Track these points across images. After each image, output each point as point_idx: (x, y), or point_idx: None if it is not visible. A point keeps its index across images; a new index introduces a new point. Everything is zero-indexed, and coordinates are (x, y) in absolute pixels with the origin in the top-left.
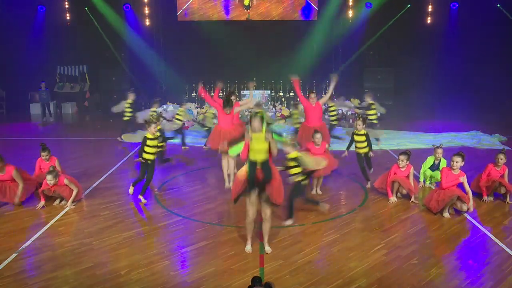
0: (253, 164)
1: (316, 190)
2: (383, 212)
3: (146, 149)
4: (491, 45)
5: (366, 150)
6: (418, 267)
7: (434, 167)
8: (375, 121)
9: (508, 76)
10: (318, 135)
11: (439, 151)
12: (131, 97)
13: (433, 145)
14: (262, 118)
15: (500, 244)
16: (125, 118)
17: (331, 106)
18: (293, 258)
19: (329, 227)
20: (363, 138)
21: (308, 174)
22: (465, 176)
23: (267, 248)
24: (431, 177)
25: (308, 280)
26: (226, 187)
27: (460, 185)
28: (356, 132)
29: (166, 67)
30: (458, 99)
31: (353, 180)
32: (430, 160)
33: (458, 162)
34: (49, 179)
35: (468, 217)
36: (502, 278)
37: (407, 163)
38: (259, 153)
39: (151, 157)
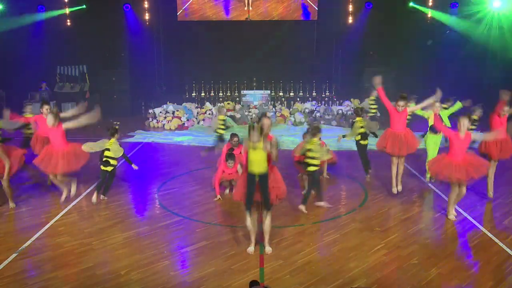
0: (252, 178)
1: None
2: (383, 212)
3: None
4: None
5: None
6: (418, 267)
7: (435, 129)
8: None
9: (508, 76)
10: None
11: (437, 104)
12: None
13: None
14: (261, 130)
15: (500, 244)
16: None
17: None
18: (293, 258)
19: (329, 227)
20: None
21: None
22: (471, 134)
23: (268, 248)
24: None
25: (308, 280)
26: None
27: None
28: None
29: (166, 67)
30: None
31: (353, 180)
32: (430, 115)
33: (465, 124)
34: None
35: (468, 217)
36: (502, 278)
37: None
38: (257, 164)
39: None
